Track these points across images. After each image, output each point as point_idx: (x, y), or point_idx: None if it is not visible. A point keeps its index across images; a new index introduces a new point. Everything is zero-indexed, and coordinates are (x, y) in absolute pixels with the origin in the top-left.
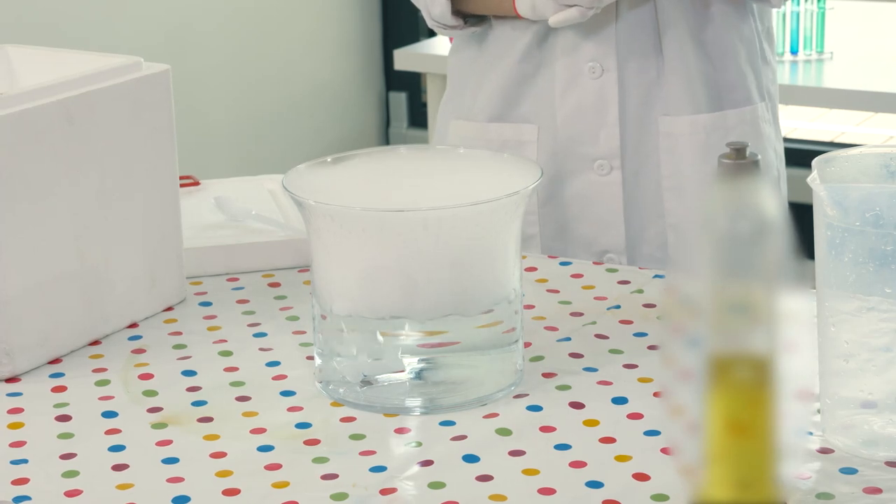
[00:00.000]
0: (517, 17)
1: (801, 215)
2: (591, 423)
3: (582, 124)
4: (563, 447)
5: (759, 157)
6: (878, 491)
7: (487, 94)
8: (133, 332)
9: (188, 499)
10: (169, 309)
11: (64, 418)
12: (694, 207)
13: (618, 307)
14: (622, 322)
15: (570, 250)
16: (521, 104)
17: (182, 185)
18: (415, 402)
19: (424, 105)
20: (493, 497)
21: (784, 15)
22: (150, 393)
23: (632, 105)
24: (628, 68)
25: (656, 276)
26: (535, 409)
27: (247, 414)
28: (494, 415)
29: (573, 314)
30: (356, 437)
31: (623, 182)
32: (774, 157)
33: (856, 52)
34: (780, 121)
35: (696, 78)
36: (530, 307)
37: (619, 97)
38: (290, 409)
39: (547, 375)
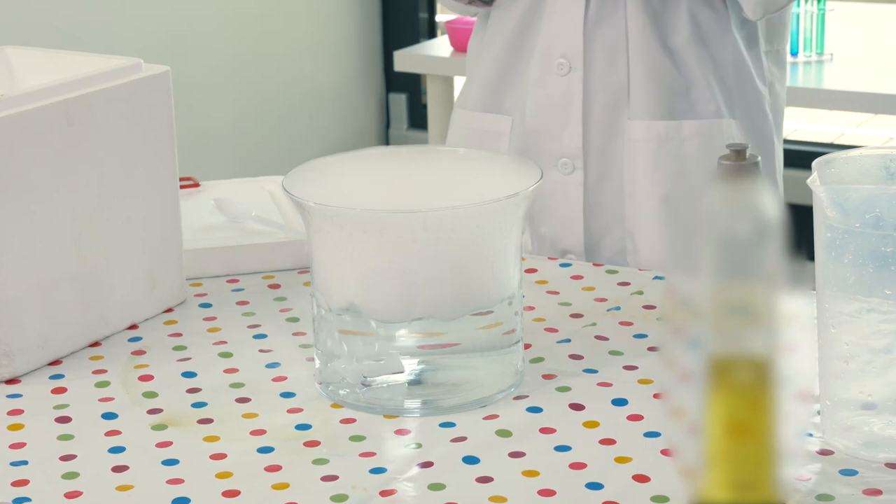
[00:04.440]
0: None
1: (802, 217)
2: (591, 424)
3: (548, 120)
4: (563, 448)
5: (760, 158)
6: (878, 492)
7: (478, 82)
8: (133, 333)
9: (188, 500)
10: (169, 310)
11: (64, 420)
12: (645, 216)
13: (618, 309)
14: (622, 323)
15: (534, 247)
16: (502, 96)
17: (182, 187)
18: (414, 404)
19: (424, 106)
20: (493, 498)
21: None
22: (150, 394)
23: (597, 106)
24: (595, 69)
25: (656, 277)
26: (535, 410)
27: (247, 415)
28: (494, 416)
29: (573, 316)
30: (356, 438)
31: (585, 183)
32: None
33: (855, 54)
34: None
35: (661, 85)
36: (530, 308)
37: (584, 96)
38: (290, 411)
39: (547, 377)
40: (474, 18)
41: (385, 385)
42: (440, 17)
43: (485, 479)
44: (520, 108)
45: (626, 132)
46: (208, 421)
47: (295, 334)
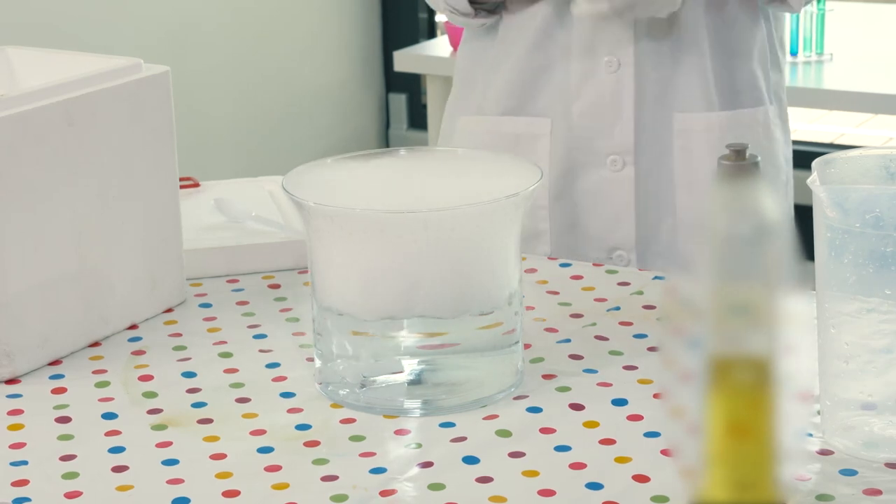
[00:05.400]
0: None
1: (802, 217)
2: (591, 424)
3: (597, 119)
4: (563, 448)
5: (759, 158)
6: (878, 492)
7: (500, 86)
8: (133, 333)
9: (188, 500)
10: (169, 310)
11: (64, 420)
12: (704, 206)
13: (618, 309)
14: (622, 323)
15: (581, 247)
16: (536, 98)
17: (182, 187)
18: (414, 404)
19: (424, 107)
20: (492, 498)
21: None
22: (150, 394)
23: (647, 101)
24: (645, 64)
25: (656, 277)
26: (535, 410)
27: (247, 415)
28: (494, 416)
29: (573, 316)
30: (356, 438)
31: (636, 178)
32: (784, 162)
33: (855, 54)
34: None
35: (711, 76)
36: (530, 308)
37: (636, 92)
38: (290, 411)
39: (547, 377)
40: None
41: (385, 385)
42: (440, 17)
43: (485, 480)
44: (560, 109)
45: (674, 124)
46: (208, 421)
47: (295, 334)
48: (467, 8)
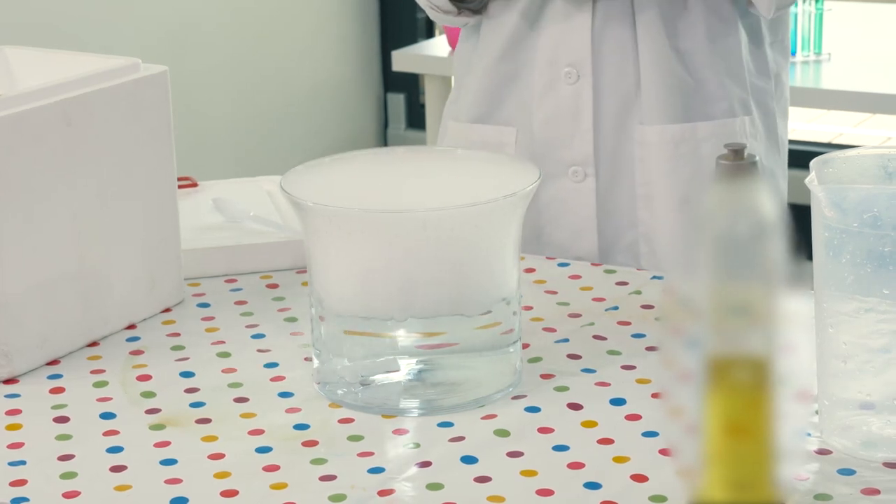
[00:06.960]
0: None
1: (800, 217)
2: (589, 424)
3: (557, 129)
4: (561, 448)
5: (758, 157)
6: (876, 492)
7: (473, 92)
8: (131, 333)
9: (186, 500)
10: (167, 310)
11: (62, 420)
12: (662, 218)
13: (616, 308)
14: (620, 323)
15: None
16: (503, 106)
17: (180, 187)
18: (413, 404)
19: (423, 106)
20: (491, 498)
21: None
22: (149, 394)
23: (608, 112)
24: (605, 75)
25: (654, 277)
26: (534, 410)
27: (245, 415)
28: (493, 416)
29: (571, 315)
30: (354, 438)
31: (597, 189)
32: (765, 173)
33: (854, 54)
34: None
35: (673, 88)
36: (529, 308)
37: (594, 104)
38: (289, 411)
39: (545, 376)
40: None
41: (383, 385)
42: None
43: (483, 479)
44: (524, 118)
45: (636, 136)
46: (206, 421)
47: (293, 334)
48: (448, 5)
